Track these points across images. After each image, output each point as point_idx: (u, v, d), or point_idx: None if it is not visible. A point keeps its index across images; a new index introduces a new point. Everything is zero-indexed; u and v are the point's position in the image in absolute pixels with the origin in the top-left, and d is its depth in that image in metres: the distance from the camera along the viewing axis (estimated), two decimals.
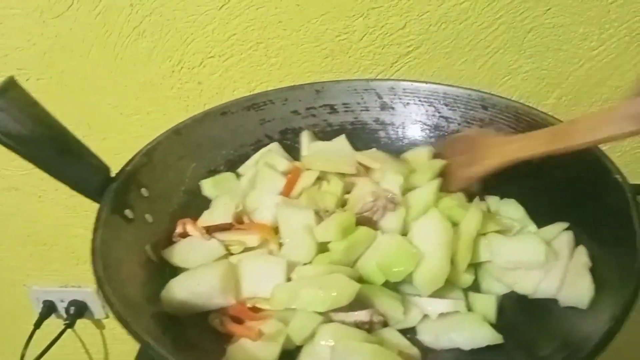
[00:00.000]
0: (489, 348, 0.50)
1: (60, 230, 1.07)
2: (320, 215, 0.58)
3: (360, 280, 0.53)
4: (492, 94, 0.68)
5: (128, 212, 0.55)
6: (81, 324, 1.19)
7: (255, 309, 0.52)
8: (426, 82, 0.71)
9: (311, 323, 0.49)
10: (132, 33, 0.83)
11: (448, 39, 0.82)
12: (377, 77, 0.84)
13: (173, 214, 0.60)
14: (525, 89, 0.86)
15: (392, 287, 0.54)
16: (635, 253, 0.46)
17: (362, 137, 0.73)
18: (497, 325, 0.51)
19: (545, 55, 0.83)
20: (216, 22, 0.82)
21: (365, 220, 0.58)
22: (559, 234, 0.56)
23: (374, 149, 0.70)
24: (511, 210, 0.62)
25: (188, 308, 0.52)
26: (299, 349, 0.49)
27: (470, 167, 0.62)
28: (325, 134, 0.74)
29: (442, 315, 0.52)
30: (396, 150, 0.71)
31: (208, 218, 0.61)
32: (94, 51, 0.85)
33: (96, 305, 1.16)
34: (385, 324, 0.51)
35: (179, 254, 0.57)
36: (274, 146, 0.71)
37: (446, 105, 0.70)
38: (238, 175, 0.69)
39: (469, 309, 0.54)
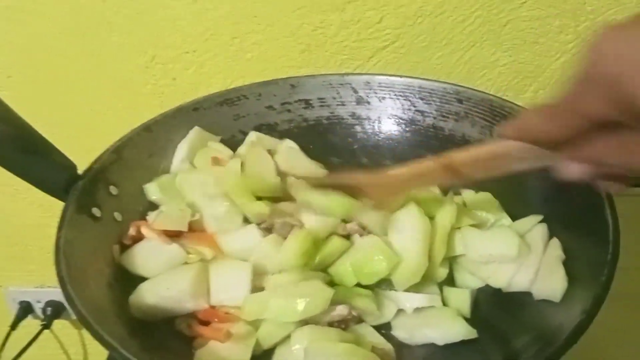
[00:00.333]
0: (463, 343, 0.49)
1: (36, 230, 1.05)
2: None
3: (332, 282, 0.52)
4: (467, 87, 0.67)
5: (95, 211, 0.54)
6: (58, 324, 1.17)
7: (223, 312, 0.51)
8: (401, 76, 0.71)
9: (281, 330, 0.48)
10: (104, 28, 0.82)
11: (424, 33, 0.81)
12: (353, 72, 0.83)
13: (143, 213, 0.58)
14: (502, 83, 0.86)
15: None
16: (607, 245, 0.46)
17: (338, 132, 0.72)
18: (472, 319, 0.51)
19: (522, 49, 0.83)
20: (190, 17, 0.81)
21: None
22: (533, 226, 0.56)
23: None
24: (486, 204, 0.61)
25: (158, 313, 0.50)
26: (272, 350, 0.48)
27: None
28: (300, 129, 0.73)
29: (417, 310, 0.52)
30: (373, 145, 0.71)
31: (162, 222, 0.57)
32: (65, 47, 0.84)
33: None
34: (360, 320, 0.51)
35: (138, 259, 0.54)
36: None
37: (422, 99, 0.69)
38: None
39: (444, 303, 0.53)
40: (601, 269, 0.43)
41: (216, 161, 0.63)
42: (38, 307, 1.14)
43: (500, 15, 0.80)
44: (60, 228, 0.49)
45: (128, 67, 0.85)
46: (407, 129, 0.70)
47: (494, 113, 0.64)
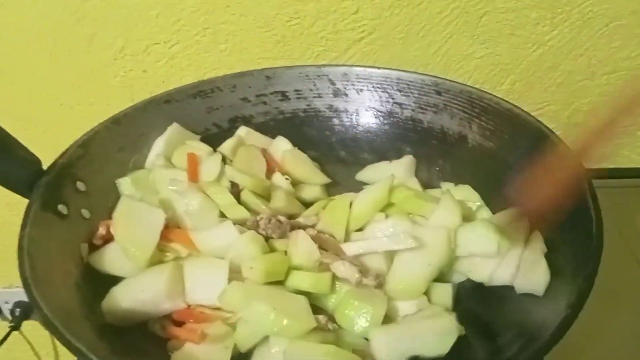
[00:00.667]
0: None
1: (2, 229, 1.01)
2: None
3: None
4: (446, 79, 0.67)
5: (62, 208, 0.52)
6: (28, 325, 1.13)
7: (199, 312, 0.49)
8: (379, 68, 0.69)
9: (259, 332, 0.46)
10: (72, 18, 0.79)
11: (401, 24, 0.80)
12: (330, 63, 0.82)
13: (112, 210, 0.55)
14: (480, 75, 0.85)
15: None
16: (592, 238, 0.45)
17: (315, 124, 0.71)
18: (456, 314, 0.50)
19: (499, 41, 0.83)
20: (160, 7, 0.78)
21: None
22: (513, 220, 0.55)
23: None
24: (466, 196, 0.60)
25: (133, 317, 0.48)
26: (251, 351, 0.47)
27: None
28: (277, 122, 0.71)
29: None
30: (351, 137, 0.69)
31: None
32: (30, 38, 0.80)
33: None
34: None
35: (108, 259, 0.52)
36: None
37: (400, 91, 0.68)
38: None
39: (428, 298, 0.52)
40: (585, 263, 0.43)
41: (193, 157, 0.60)
42: (6, 308, 1.10)
43: (477, 7, 0.79)
44: (24, 226, 0.46)
45: (96, 58, 0.82)
46: (386, 121, 0.69)
47: (473, 105, 0.63)
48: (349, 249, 0.52)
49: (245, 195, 0.59)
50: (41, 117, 0.87)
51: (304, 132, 0.70)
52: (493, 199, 0.59)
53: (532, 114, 0.61)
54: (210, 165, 0.61)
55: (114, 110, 0.64)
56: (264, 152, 0.66)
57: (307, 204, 0.62)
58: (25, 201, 0.94)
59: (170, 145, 0.64)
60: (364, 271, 0.49)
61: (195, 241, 0.52)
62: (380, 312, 0.47)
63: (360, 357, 0.44)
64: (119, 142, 0.61)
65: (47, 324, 0.39)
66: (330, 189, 0.66)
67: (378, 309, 0.47)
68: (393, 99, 0.69)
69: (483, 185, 0.61)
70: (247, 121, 0.70)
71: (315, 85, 0.71)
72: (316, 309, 0.48)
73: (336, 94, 0.71)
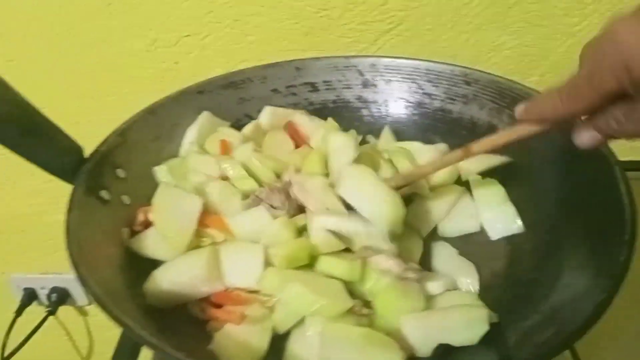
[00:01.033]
0: None
1: (38, 216, 1.04)
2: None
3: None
4: (475, 69, 0.67)
5: (104, 194, 0.54)
6: (64, 311, 1.17)
7: (236, 295, 0.50)
8: (408, 58, 0.70)
9: (296, 314, 0.47)
10: (105, 11, 0.81)
11: (430, 15, 0.80)
12: (359, 54, 0.82)
13: (151, 196, 0.57)
14: (509, 66, 0.85)
15: None
16: (625, 225, 0.45)
17: (345, 115, 0.71)
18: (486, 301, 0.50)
19: (528, 32, 0.82)
20: None
21: None
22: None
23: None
24: (492, 191, 0.61)
25: (173, 298, 0.50)
26: (288, 333, 0.48)
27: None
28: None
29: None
30: (379, 128, 0.70)
31: None
32: (63, 31, 0.82)
33: (78, 292, 1.13)
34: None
35: (148, 244, 0.53)
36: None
37: (429, 81, 0.69)
38: None
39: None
40: (619, 250, 0.43)
41: (225, 145, 0.62)
42: (43, 294, 1.14)
43: None
44: (69, 210, 0.48)
45: (129, 51, 0.84)
46: (415, 112, 0.69)
47: (503, 95, 0.64)
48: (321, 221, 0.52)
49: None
50: (73, 109, 0.90)
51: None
52: (521, 193, 0.59)
53: None
54: (242, 151, 0.62)
55: (145, 101, 0.65)
56: (291, 126, 0.67)
57: None
58: (56, 192, 0.98)
59: (203, 133, 0.65)
60: (406, 264, 0.50)
61: (230, 226, 0.54)
62: (420, 305, 0.48)
63: (394, 341, 0.45)
64: (154, 131, 0.63)
65: (99, 302, 0.40)
66: None
67: (417, 302, 0.48)
68: (422, 89, 0.69)
69: (511, 179, 0.61)
70: None
71: (344, 76, 0.71)
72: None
73: (365, 84, 0.71)
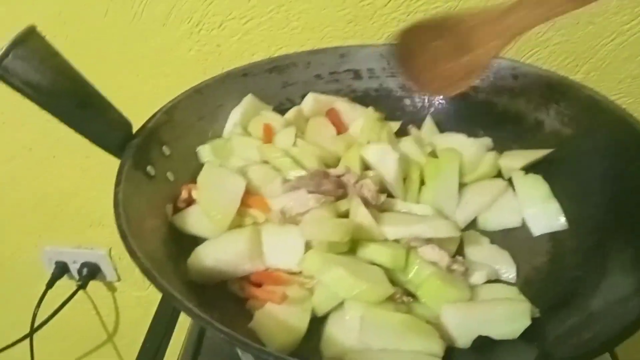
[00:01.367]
0: None
1: (74, 191, 1.06)
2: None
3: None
4: (523, 63, 0.66)
5: (150, 169, 0.54)
6: (93, 286, 1.19)
7: (276, 275, 0.51)
8: None
9: (336, 297, 0.48)
10: None
11: (475, 7, 0.79)
12: None
13: (194, 174, 0.58)
14: (553, 63, 0.83)
15: None
16: None
17: (387, 104, 0.71)
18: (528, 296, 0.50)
19: (576, 28, 0.81)
20: None
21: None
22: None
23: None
24: (535, 187, 0.60)
25: (215, 275, 0.50)
26: (326, 316, 0.48)
27: (459, 59, 0.51)
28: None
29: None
30: (422, 118, 0.70)
31: None
32: (110, 12, 0.84)
33: (108, 268, 1.16)
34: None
35: (191, 221, 0.54)
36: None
37: None
38: None
39: None
40: None
41: (268, 129, 0.62)
42: (74, 268, 1.16)
43: None
44: (118, 183, 0.49)
45: (172, 33, 0.85)
46: (459, 104, 0.69)
47: (552, 90, 0.62)
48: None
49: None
50: (117, 88, 0.90)
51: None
52: (567, 190, 0.58)
53: None
54: (284, 136, 0.63)
55: (187, 83, 0.66)
56: (333, 113, 0.67)
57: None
58: (96, 168, 1.00)
59: (246, 115, 0.66)
60: (452, 257, 0.50)
61: (272, 207, 0.54)
62: (465, 295, 0.48)
63: (434, 329, 0.45)
64: (199, 111, 0.64)
65: (146, 272, 0.41)
66: None
67: (463, 291, 0.48)
68: None
69: (555, 174, 0.60)
70: None
71: (388, 64, 0.71)
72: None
73: None
